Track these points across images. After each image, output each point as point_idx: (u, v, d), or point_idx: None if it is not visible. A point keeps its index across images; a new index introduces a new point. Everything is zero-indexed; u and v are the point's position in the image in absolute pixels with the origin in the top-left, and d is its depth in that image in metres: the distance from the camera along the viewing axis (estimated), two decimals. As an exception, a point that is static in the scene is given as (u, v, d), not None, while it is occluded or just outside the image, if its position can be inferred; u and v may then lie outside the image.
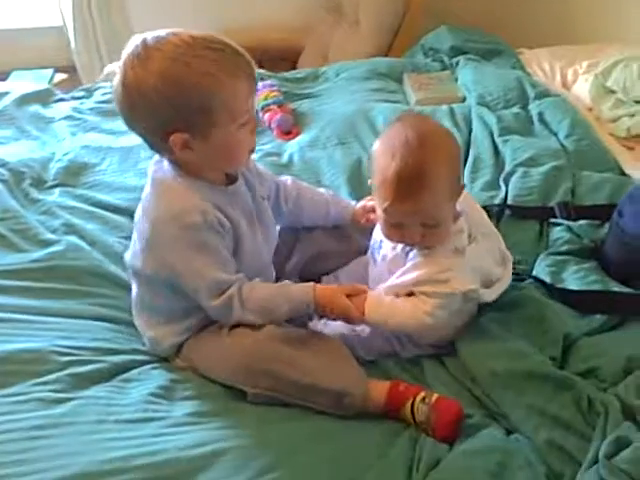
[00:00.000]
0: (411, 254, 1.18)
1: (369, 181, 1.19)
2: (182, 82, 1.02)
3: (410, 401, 1.08)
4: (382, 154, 1.13)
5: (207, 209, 1.10)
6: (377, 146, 1.16)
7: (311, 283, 1.18)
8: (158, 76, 1.02)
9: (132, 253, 1.22)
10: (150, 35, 1.05)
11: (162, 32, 1.05)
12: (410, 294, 1.16)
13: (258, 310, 1.13)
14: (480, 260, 1.20)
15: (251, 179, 1.25)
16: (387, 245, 1.23)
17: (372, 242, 1.30)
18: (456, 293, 1.14)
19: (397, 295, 1.17)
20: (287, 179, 1.40)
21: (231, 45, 1.07)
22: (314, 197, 1.40)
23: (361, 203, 1.42)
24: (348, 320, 1.17)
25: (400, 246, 1.20)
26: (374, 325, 1.18)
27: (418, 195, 1.09)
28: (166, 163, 1.16)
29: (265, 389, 1.08)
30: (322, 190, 1.45)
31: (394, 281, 1.19)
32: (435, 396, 1.08)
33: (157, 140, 1.09)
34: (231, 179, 1.20)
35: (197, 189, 1.12)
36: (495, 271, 1.24)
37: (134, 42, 1.05)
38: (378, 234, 1.28)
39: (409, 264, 1.17)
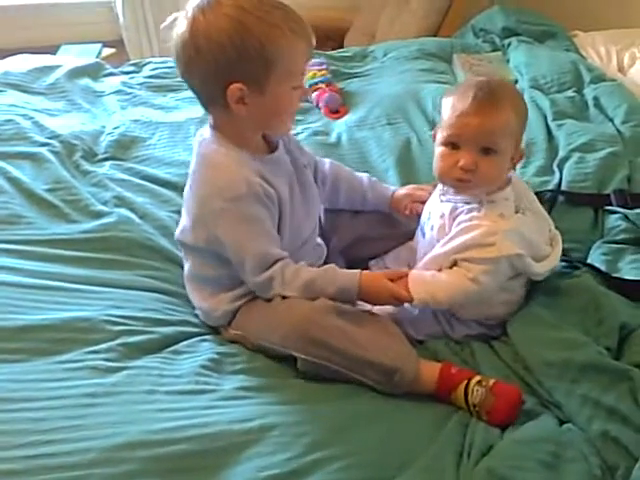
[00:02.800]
0: (458, 218, 1.17)
1: (432, 132, 1.22)
2: (250, 28, 1.05)
3: (464, 383, 1.06)
4: (456, 92, 1.18)
5: (251, 179, 1.11)
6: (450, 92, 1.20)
7: (357, 270, 1.17)
8: (227, 20, 1.04)
9: (182, 228, 1.24)
10: None
11: None
12: (453, 266, 1.15)
13: (300, 293, 1.13)
14: (530, 232, 1.18)
15: (290, 147, 1.25)
16: (436, 215, 1.23)
17: (422, 218, 1.29)
18: (501, 257, 1.12)
19: (440, 269, 1.16)
20: (326, 161, 1.39)
21: (293, 10, 1.10)
22: (352, 181, 1.39)
23: (404, 190, 1.39)
24: (396, 302, 1.16)
25: (448, 210, 1.19)
26: (422, 303, 1.16)
27: (489, 112, 1.12)
28: (209, 134, 1.17)
29: (314, 357, 1.08)
30: (362, 175, 1.43)
31: (438, 250, 1.18)
32: (492, 380, 1.07)
33: (214, 91, 1.10)
34: (271, 147, 1.21)
35: (241, 160, 1.13)
36: (545, 248, 1.22)
37: None
38: (428, 207, 1.27)
39: (454, 230, 1.17)
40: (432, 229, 1.23)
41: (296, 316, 1.10)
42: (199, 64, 1.08)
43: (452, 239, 1.16)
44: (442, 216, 1.21)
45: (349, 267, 1.23)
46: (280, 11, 1.07)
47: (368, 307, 1.23)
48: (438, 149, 1.19)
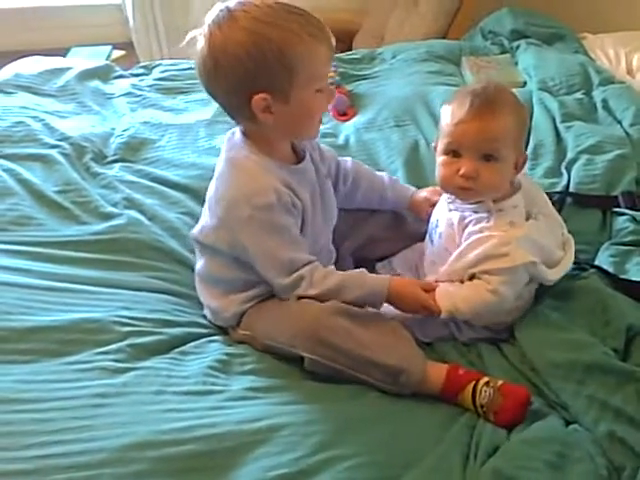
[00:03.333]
0: (467, 229, 1.17)
1: (433, 143, 1.22)
2: (267, 38, 1.05)
3: (472, 384, 1.07)
4: (454, 100, 1.18)
5: (280, 189, 1.12)
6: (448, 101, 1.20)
7: (387, 275, 1.20)
8: (243, 32, 1.06)
9: (202, 227, 1.24)
10: (233, 2, 1.09)
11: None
12: (472, 278, 1.15)
13: (326, 292, 1.14)
14: (542, 237, 1.18)
15: (315, 156, 1.26)
16: (443, 223, 1.23)
17: (430, 224, 1.29)
18: (518, 266, 1.12)
19: (461, 281, 1.16)
20: (347, 160, 1.40)
21: (311, 14, 1.09)
22: (372, 179, 1.40)
23: (424, 192, 1.40)
24: (424, 312, 1.16)
25: (456, 220, 1.19)
26: (447, 315, 1.16)
27: (488, 118, 1.12)
28: (239, 139, 1.17)
29: (323, 357, 1.09)
30: (383, 174, 1.44)
31: (454, 265, 1.18)
32: (500, 381, 1.07)
33: (239, 103, 1.11)
34: (299, 157, 1.21)
35: (270, 168, 1.14)
36: (557, 252, 1.21)
37: (217, 8, 1.09)
38: (436, 214, 1.27)
39: (465, 243, 1.16)
40: (440, 237, 1.24)
41: (305, 317, 1.11)
42: (220, 78, 1.10)
43: (465, 253, 1.16)
44: (451, 225, 1.21)
45: (357, 268, 1.24)
46: (296, 16, 1.08)
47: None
48: (439, 158, 1.19)
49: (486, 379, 1.08)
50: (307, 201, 1.18)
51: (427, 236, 1.31)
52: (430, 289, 1.17)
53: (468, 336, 1.21)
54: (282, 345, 1.13)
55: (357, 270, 1.20)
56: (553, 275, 1.18)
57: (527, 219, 1.20)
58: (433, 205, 1.34)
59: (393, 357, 1.08)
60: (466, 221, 1.19)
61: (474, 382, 1.07)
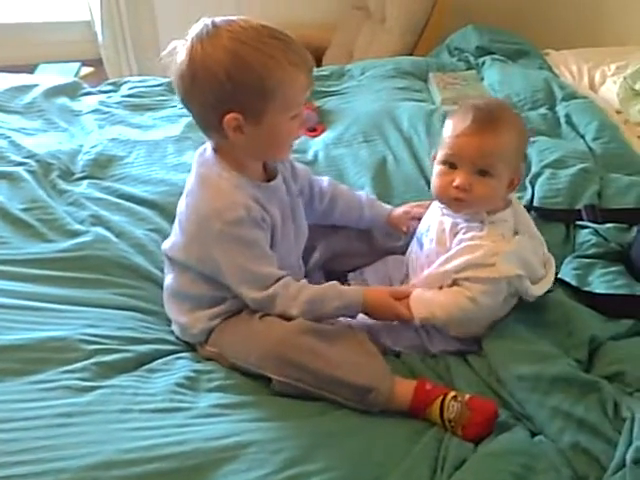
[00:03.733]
0: (459, 236, 1.19)
1: (432, 153, 1.25)
2: (247, 60, 1.05)
3: (440, 399, 1.07)
4: (458, 112, 1.20)
5: (250, 204, 1.12)
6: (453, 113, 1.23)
7: (360, 287, 1.21)
8: (225, 52, 1.05)
9: (173, 243, 1.24)
10: (219, 18, 1.09)
11: (231, 17, 1.10)
12: (453, 285, 1.17)
13: (305, 307, 1.14)
14: (528, 254, 1.20)
15: (287, 175, 1.26)
16: (435, 228, 1.25)
17: (420, 229, 1.31)
18: (501, 278, 1.14)
19: (441, 287, 1.18)
20: (324, 179, 1.41)
21: (295, 40, 1.10)
22: (350, 199, 1.41)
23: (402, 208, 1.42)
24: (398, 319, 1.18)
25: (449, 225, 1.21)
26: (422, 321, 1.18)
27: (488, 134, 1.14)
28: (210, 155, 1.18)
29: (290, 378, 1.09)
30: (360, 193, 1.45)
31: (439, 269, 1.19)
32: (468, 395, 1.08)
33: (211, 119, 1.11)
34: (270, 175, 1.22)
35: (240, 185, 1.14)
36: (540, 270, 1.23)
37: (203, 22, 1.10)
38: (427, 220, 1.29)
39: (455, 249, 1.18)
40: (432, 242, 1.25)
41: (271, 337, 1.11)
42: (196, 93, 1.10)
43: (453, 258, 1.18)
44: (443, 230, 1.23)
45: (328, 281, 1.24)
46: (278, 42, 1.07)
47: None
48: (436, 167, 1.21)
49: (453, 393, 1.08)
50: (277, 218, 1.19)
51: (414, 242, 1.32)
52: (401, 296, 1.19)
53: (439, 347, 1.22)
54: (249, 366, 1.13)
55: (329, 283, 1.21)
56: (536, 291, 1.20)
57: (515, 234, 1.22)
58: (412, 218, 1.36)
59: (361, 376, 1.08)
60: (458, 227, 1.20)
61: (442, 397, 1.08)
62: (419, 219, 1.33)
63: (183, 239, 1.20)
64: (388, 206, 1.45)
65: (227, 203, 1.12)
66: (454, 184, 1.16)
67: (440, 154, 1.20)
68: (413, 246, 1.32)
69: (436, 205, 1.28)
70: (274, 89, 1.07)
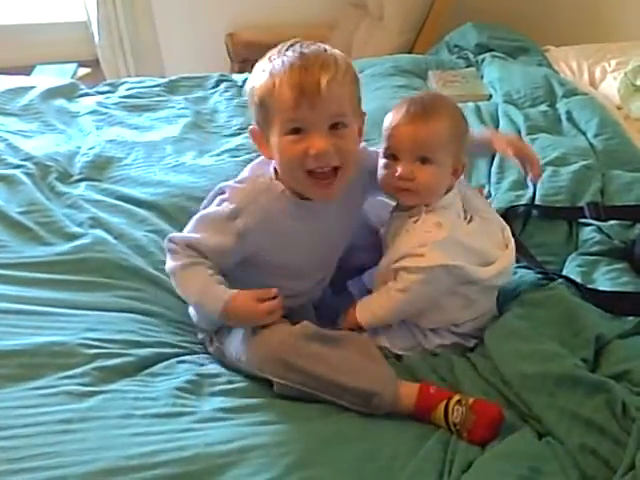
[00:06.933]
0: (402, 229, 1.20)
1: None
2: (256, 73, 1.11)
3: (444, 402, 1.06)
4: (394, 107, 1.22)
5: (252, 213, 1.13)
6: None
7: (231, 291, 1.11)
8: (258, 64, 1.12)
9: None
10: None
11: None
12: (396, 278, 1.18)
13: (178, 282, 1.15)
14: (475, 240, 1.20)
15: (355, 192, 1.23)
16: (387, 230, 1.25)
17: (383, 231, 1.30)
18: (432, 267, 1.14)
19: (385, 281, 1.20)
20: None
21: (307, 54, 1.07)
22: None
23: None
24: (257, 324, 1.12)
25: (398, 222, 1.21)
26: (370, 325, 1.21)
27: (421, 122, 1.16)
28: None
29: (293, 382, 1.08)
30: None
31: (383, 263, 1.21)
32: (472, 399, 1.06)
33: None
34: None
35: (270, 189, 1.15)
36: (495, 253, 1.22)
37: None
38: (387, 223, 1.29)
39: (394, 240, 1.20)
40: (387, 246, 1.25)
41: (274, 341, 1.09)
42: None
43: (390, 251, 1.20)
44: (394, 233, 1.23)
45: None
46: (284, 58, 1.07)
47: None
48: (380, 162, 1.21)
49: (457, 397, 1.07)
50: (299, 232, 1.17)
51: (383, 244, 1.30)
52: (266, 297, 1.11)
53: (434, 343, 1.21)
54: (252, 369, 1.12)
55: (221, 287, 1.12)
56: (485, 273, 1.18)
57: (468, 220, 1.22)
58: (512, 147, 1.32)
59: (364, 380, 1.07)
60: (404, 222, 1.21)
61: (446, 400, 1.06)
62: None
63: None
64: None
65: (238, 196, 1.14)
66: (397, 174, 1.17)
67: (382, 148, 1.21)
68: (383, 247, 1.30)
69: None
70: (269, 106, 1.08)
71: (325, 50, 1.11)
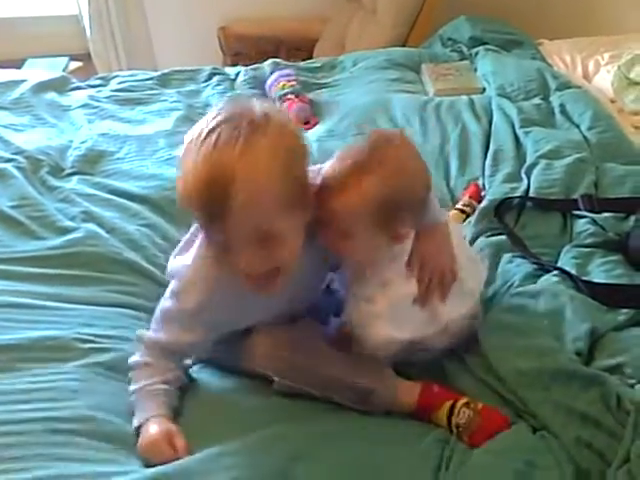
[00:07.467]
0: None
1: None
2: (180, 161, 0.98)
3: (449, 403, 1.05)
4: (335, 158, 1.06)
5: (206, 302, 1.04)
6: None
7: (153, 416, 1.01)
8: None
9: None
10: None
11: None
12: None
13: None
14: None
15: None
16: None
17: None
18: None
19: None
20: None
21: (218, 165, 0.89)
22: None
23: None
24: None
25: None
26: None
27: (340, 192, 1.00)
28: None
29: (291, 379, 1.07)
30: None
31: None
32: (481, 404, 1.05)
33: None
34: None
35: (220, 280, 1.03)
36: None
37: None
38: None
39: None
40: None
41: (271, 339, 1.09)
42: None
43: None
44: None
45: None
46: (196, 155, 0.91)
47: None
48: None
49: (465, 400, 1.06)
50: (256, 303, 1.06)
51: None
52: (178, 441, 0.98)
53: (422, 358, 1.15)
54: (250, 367, 1.11)
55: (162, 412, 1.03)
56: (446, 315, 1.09)
57: None
58: None
59: (363, 377, 1.06)
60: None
61: (452, 401, 1.06)
62: None
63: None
64: None
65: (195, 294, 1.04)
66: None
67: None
68: None
69: None
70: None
71: (245, 138, 0.89)
